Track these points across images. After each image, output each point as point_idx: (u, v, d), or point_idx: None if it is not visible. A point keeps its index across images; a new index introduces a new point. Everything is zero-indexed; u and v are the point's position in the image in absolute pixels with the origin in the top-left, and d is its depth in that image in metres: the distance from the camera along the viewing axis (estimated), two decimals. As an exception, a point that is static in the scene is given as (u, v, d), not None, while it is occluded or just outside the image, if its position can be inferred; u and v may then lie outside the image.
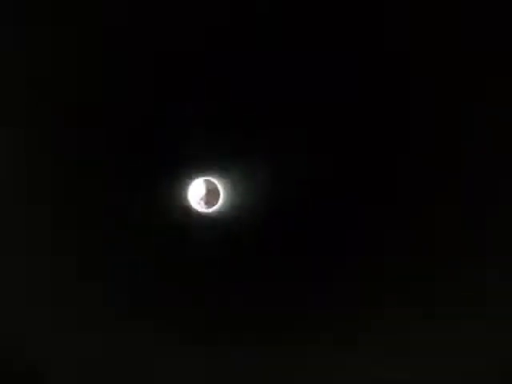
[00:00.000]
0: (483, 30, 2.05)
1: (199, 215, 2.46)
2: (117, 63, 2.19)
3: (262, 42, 2.10)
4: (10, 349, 2.26)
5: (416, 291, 2.40)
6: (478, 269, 2.35)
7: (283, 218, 2.43)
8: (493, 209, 2.30)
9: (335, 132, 2.29)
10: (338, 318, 2.47)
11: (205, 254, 2.45)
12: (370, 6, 2.07)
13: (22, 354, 2.29)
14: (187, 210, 2.45)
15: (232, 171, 2.41)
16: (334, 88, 2.22)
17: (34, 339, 2.32)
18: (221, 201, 2.46)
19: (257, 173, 2.38)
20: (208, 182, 2.46)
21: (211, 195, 2.48)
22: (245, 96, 2.25)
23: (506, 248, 2.31)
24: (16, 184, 2.30)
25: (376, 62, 2.16)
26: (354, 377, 2.43)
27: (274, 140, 2.31)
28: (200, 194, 2.49)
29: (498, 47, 2.08)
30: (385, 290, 2.45)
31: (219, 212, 2.45)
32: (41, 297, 2.34)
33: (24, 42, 2.09)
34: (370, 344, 2.43)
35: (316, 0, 2.07)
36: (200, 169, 2.40)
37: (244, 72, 2.20)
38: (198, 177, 2.43)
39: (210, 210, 2.48)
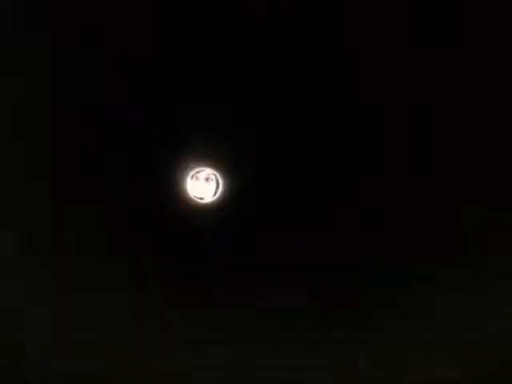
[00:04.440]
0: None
1: (198, 205, 2.46)
2: (117, 61, 2.20)
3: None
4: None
5: (416, 291, 2.41)
6: (478, 269, 2.36)
7: (282, 208, 2.44)
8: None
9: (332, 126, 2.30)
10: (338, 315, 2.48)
11: (204, 243, 2.46)
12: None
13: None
14: (186, 201, 2.45)
15: (231, 161, 2.42)
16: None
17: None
18: (220, 191, 2.46)
19: (255, 163, 2.39)
20: (207, 172, 2.47)
21: (210, 185, 2.48)
22: (244, 91, 2.26)
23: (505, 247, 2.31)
24: (15, 183, 2.31)
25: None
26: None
27: (272, 130, 2.32)
28: (199, 184, 2.49)
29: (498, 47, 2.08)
30: (386, 290, 2.45)
31: (218, 202, 2.46)
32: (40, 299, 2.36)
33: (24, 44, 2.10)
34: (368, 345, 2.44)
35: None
36: (199, 159, 2.41)
37: (242, 71, 2.21)
38: (197, 167, 2.44)
39: (209, 201, 2.48)
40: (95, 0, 2.06)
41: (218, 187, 2.47)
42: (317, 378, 2.49)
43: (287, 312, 2.49)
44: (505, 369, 2.38)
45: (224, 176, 2.44)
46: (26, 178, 2.31)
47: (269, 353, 2.50)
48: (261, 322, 2.50)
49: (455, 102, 2.20)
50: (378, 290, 2.44)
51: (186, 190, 2.46)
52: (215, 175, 2.46)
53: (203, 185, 2.49)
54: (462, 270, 2.37)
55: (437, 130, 2.25)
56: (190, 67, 2.20)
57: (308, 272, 2.46)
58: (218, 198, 2.46)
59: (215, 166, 2.44)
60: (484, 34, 2.06)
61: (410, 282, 2.42)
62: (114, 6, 2.06)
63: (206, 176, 2.47)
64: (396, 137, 2.29)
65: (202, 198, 2.48)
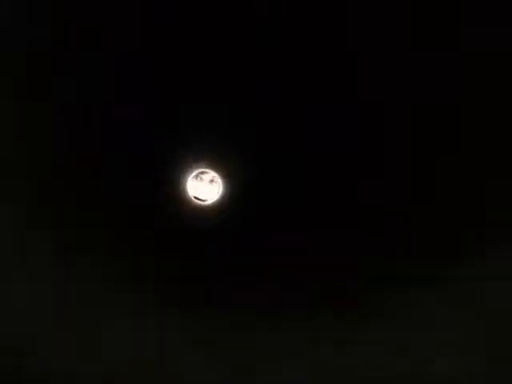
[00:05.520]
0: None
1: (198, 205, 2.46)
2: (117, 61, 2.19)
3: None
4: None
5: (416, 292, 2.41)
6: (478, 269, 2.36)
7: (282, 208, 2.44)
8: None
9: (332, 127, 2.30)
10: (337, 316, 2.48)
11: (204, 243, 2.46)
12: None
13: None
14: (186, 201, 2.45)
15: (232, 162, 2.42)
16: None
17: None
18: (220, 191, 2.46)
19: (255, 163, 2.39)
20: (207, 174, 2.46)
21: (210, 185, 2.48)
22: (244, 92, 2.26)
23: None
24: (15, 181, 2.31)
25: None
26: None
27: (272, 130, 2.31)
28: (199, 183, 2.49)
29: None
30: (386, 290, 2.45)
31: (218, 202, 2.46)
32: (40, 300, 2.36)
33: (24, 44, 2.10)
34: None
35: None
36: (199, 159, 2.41)
37: (242, 71, 2.21)
38: (197, 167, 2.44)
39: (209, 201, 2.48)
40: (95, 0, 2.06)
41: (217, 187, 2.46)
42: (317, 378, 2.49)
43: (287, 312, 2.49)
44: (504, 368, 2.38)
45: (224, 176, 2.44)
46: (26, 178, 2.31)
47: (269, 352, 2.50)
48: (261, 322, 2.50)
49: (455, 101, 2.20)
50: (377, 290, 2.44)
51: (185, 190, 2.46)
52: (215, 175, 2.46)
53: (203, 184, 2.48)
54: (463, 271, 2.37)
55: (437, 130, 2.25)
56: (190, 67, 2.19)
57: (308, 272, 2.46)
58: (218, 197, 2.46)
59: (215, 166, 2.44)
60: (484, 34, 2.06)
61: (410, 282, 2.42)
62: (115, 5, 2.06)
63: (205, 176, 2.47)
64: (396, 137, 2.29)
65: (201, 198, 2.48)
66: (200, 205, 2.45)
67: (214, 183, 2.46)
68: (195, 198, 2.47)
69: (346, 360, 2.49)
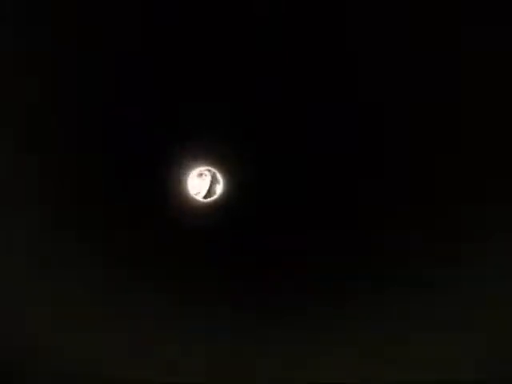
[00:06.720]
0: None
1: (198, 205, 2.46)
2: (117, 61, 2.20)
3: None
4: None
5: (416, 292, 2.42)
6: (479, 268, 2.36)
7: (282, 208, 2.44)
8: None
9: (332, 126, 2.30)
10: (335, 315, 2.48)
11: (204, 243, 2.47)
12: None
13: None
14: (186, 200, 2.45)
15: (231, 161, 2.42)
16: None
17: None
18: (220, 191, 2.46)
19: (255, 163, 2.39)
20: (207, 171, 2.47)
21: (211, 184, 2.48)
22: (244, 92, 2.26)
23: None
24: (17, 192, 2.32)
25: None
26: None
27: (272, 130, 2.32)
28: (199, 183, 2.49)
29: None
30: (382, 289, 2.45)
31: (218, 202, 2.46)
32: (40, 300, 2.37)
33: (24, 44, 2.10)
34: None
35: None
36: (199, 159, 2.42)
37: (242, 71, 2.21)
38: (197, 166, 2.44)
39: (210, 201, 2.48)
40: (95, 0, 2.06)
41: (218, 187, 2.47)
42: (317, 377, 2.49)
43: (287, 312, 2.49)
44: (504, 367, 2.38)
45: (224, 176, 2.44)
46: (26, 178, 2.31)
47: (269, 352, 2.51)
48: (261, 322, 2.50)
49: (455, 101, 2.20)
50: (378, 290, 2.44)
51: (186, 189, 2.46)
52: (215, 175, 2.46)
53: (203, 185, 2.49)
54: (462, 270, 2.38)
55: (437, 130, 2.26)
56: (190, 67, 2.20)
57: (308, 272, 2.46)
58: (218, 197, 2.46)
59: (215, 166, 2.44)
60: (484, 34, 2.06)
61: (410, 282, 2.42)
62: (115, 5, 2.06)
63: (205, 176, 2.47)
64: (396, 137, 2.29)
65: (201, 198, 2.48)
66: (200, 205, 2.45)
67: (213, 182, 2.47)
68: (195, 197, 2.48)
69: (346, 360, 2.49)
